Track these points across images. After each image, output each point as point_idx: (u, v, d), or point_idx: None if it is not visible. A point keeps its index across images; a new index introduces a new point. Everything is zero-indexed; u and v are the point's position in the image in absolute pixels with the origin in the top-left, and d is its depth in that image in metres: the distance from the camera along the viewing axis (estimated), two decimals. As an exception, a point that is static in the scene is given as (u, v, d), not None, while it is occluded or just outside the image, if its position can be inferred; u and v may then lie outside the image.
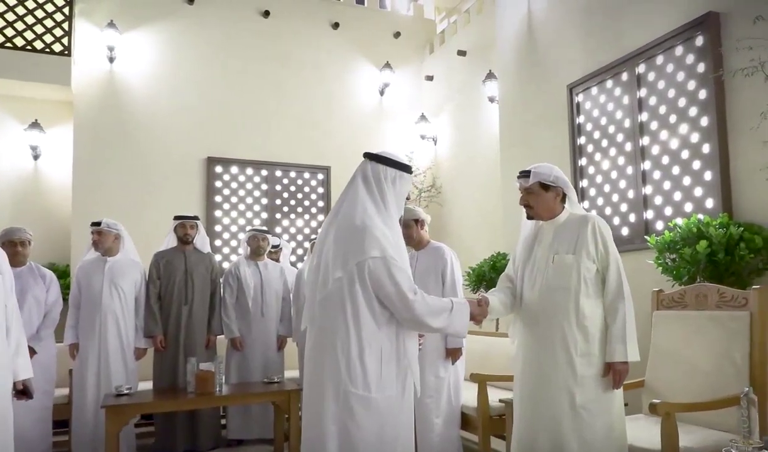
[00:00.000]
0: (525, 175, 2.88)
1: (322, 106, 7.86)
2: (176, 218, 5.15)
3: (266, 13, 7.68)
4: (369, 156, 2.47)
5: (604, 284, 2.75)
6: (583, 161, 4.78)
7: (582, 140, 4.81)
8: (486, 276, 5.40)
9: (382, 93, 8.12)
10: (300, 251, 7.71)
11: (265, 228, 5.92)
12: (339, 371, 2.27)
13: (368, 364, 2.28)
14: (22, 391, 2.79)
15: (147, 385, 4.96)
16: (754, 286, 2.91)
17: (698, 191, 3.82)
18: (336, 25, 8.03)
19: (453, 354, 3.98)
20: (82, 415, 4.63)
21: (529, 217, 2.96)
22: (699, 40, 3.82)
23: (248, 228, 6.15)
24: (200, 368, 4.33)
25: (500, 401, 3.77)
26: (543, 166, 2.88)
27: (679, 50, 3.98)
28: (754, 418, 2.40)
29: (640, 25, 4.27)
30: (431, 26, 8.68)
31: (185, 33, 7.32)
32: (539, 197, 2.85)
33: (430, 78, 8.16)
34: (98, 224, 4.86)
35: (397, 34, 8.33)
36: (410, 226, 4.07)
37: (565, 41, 5.05)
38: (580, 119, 4.84)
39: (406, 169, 2.48)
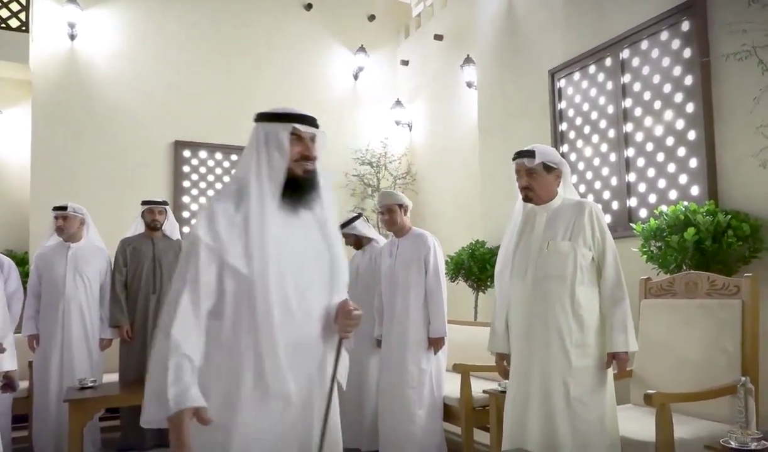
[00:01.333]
0: (528, 154, 2.70)
1: (294, 89, 7.63)
2: (144, 203, 4.91)
3: (236, -7, 7.42)
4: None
5: (599, 272, 2.68)
6: (564, 148, 4.72)
7: (564, 126, 4.74)
8: (465, 264, 5.32)
9: (356, 77, 7.94)
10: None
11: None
12: None
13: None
14: (6, 384, 2.65)
15: (112, 377, 4.74)
16: (746, 274, 2.87)
17: (683, 178, 3.78)
18: (309, 7, 7.81)
19: (436, 343, 3.88)
20: (44, 409, 4.40)
21: (527, 200, 2.77)
22: (685, 25, 3.77)
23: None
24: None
25: (484, 392, 3.69)
26: (545, 146, 2.76)
27: (664, 35, 3.92)
28: (751, 408, 2.36)
29: (625, 10, 4.20)
30: (406, 10, 8.51)
31: (152, 11, 7.01)
32: (542, 179, 2.70)
33: (405, 62, 8.01)
34: (64, 208, 4.60)
35: (372, 17, 8.15)
36: (393, 211, 3.95)
37: (546, 25, 4.96)
38: (562, 105, 4.76)
39: (273, 118, 1.90)
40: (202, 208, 1.84)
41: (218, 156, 7.27)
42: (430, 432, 3.84)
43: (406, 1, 8.58)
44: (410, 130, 7.89)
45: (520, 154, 2.73)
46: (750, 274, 2.86)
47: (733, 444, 2.17)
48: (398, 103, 7.82)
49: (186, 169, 7.12)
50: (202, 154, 7.20)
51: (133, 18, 6.91)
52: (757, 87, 3.03)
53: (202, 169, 7.21)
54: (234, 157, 7.32)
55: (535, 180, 2.69)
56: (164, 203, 4.96)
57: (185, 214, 7.03)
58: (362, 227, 4.64)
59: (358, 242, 4.66)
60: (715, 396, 2.70)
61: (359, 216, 4.69)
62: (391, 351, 3.95)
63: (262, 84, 7.47)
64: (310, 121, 1.93)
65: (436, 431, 3.89)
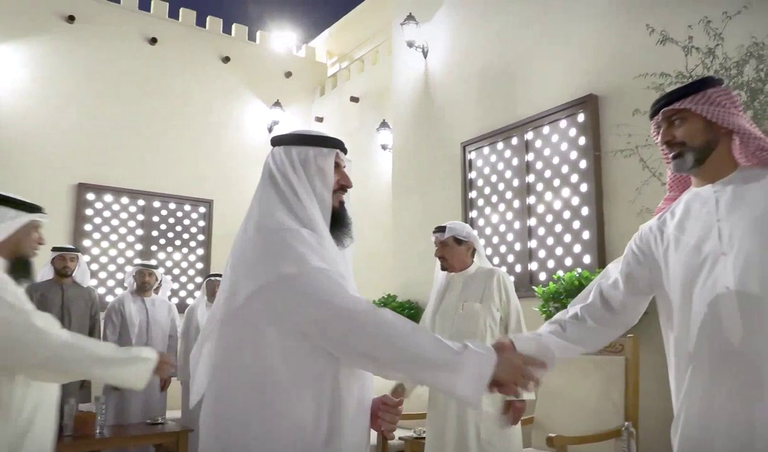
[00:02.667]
0: (441, 229, 3.22)
1: (208, 138, 7.73)
2: (55, 249, 4.82)
3: (153, 41, 7.49)
4: (273, 142, 1.73)
5: (507, 330, 3.11)
6: (473, 213, 5.18)
7: (473, 194, 5.22)
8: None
9: (270, 130, 8.16)
10: (192, 286, 7.49)
11: (153, 263, 5.70)
12: (216, 418, 1.51)
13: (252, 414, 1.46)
14: None
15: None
16: (628, 335, 3.37)
17: (577, 248, 4.32)
18: (226, 60, 8.00)
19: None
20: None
21: (442, 268, 3.29)
22: (581, 117, 4.37)
23: (137, 261, 5.96)
24: (80, 409, 4.07)
25: (399, 439, 3.94)
26: (457, 223, 3.31)
27: (563, 123, 4.51)
28: (633, 449, 2.80)
29: (530, 97, 4.77)
30: (323, 69, 8.92)
31: (63, 52, 6.92)
32: (453, 250, 3.20)
33: (320, 119, 8.35)
34: None
35: (289, 74, 8.46)
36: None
37: (460, 100, 5.46)
38: (472, 175, 5.25)
39: (316, 141, 1.67)
40: (285, 241, 1.51)
41: (124, 200, 7.17)
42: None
43: (323, 62, 8.99)
44: (322, 184, 8.17)
45: (435, 230, 3.26)
46: (632, 335, 3.36)
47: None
48: (311, 157, 8.09)
49: (89, 212, 6.96)
50: (108, 197, 7.08)
51: (41, 57, 6.78)
52: (639, 179, 3.61)
53: (107, 213, 7.08)
54: (141, 202, 7.24)
55: (447, 251, 3.21)
56: (75, 250, 4.92)
57: (85, 258, 6.80)
58: None
59: None
60: (604, 439, 3.14)
61: None
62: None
63: (175, 131, 7.50)
64: (345, 149, 1.75)
65: (354, 478, 4.05)
